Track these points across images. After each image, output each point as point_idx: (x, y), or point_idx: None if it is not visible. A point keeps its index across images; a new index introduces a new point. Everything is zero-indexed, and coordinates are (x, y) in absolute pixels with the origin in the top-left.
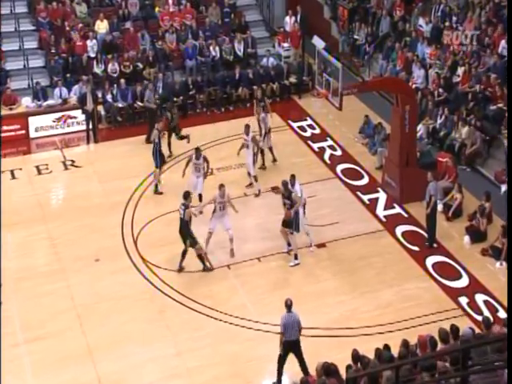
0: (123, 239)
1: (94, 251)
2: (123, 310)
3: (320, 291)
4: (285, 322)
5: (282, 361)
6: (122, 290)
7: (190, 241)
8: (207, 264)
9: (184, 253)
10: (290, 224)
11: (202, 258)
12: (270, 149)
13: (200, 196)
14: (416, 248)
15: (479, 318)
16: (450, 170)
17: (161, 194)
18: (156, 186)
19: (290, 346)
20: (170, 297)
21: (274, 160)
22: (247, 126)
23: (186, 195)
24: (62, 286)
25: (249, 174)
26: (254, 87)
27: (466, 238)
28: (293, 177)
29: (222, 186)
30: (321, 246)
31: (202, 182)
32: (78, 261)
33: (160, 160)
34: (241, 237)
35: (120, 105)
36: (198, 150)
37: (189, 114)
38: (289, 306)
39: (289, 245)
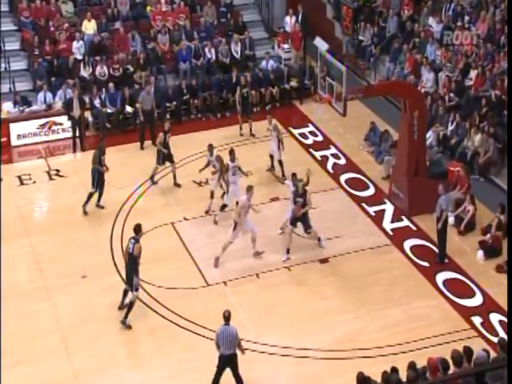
0: (112, 254)
1: (81, 267)
2: (112, 331)
3: (323, 309)
4: (218, 333)
5: (217, 376)
6: (110, 309)
7: (131, 282)
8: (127, 322)
9: (125, 292)
10: (295, 222)
11: (131, 306)
12: (271, 156)
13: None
14: (426, 264)
15: (494, 339)
16: (462, 180)
17: (156, 183)
18: (152, 176)
19: (225, 360)
20: (162, 316)
21: (271, 168)
22: (210, 146)
23: (137, 229)
24: (46, 306)
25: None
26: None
27: (480, 253)
28: (294, 175)
29: (250, 188)
30: (324, 260)
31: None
32: (64, 278)
33: (161, 158)
34: (237, 252)
35: (109, 110)
36: (232, 151)
37: (183, 121)
38: (226, 317)
39: (287, 252)
